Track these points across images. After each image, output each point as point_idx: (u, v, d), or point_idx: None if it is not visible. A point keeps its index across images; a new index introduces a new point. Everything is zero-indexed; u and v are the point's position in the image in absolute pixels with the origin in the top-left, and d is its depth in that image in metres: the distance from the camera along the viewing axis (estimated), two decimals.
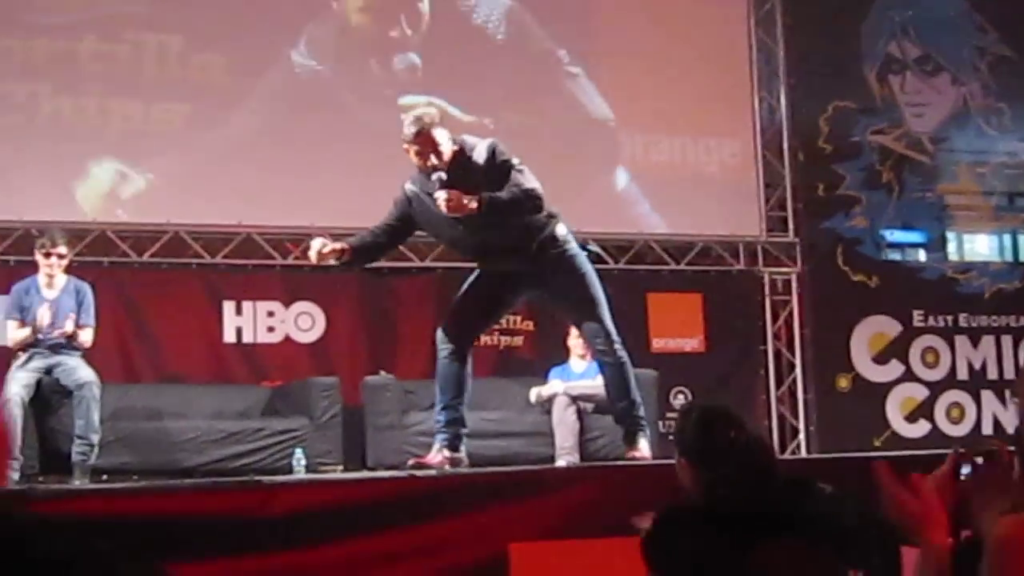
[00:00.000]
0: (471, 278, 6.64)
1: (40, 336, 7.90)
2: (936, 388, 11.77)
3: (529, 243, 6.41)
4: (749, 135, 11.51)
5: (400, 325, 10.38)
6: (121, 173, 9.90)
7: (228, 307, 10.06)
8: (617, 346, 6.66)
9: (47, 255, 8.07)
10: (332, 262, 6.60)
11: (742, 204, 11.37)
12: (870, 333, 11.69)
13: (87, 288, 8.20)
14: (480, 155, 6.38)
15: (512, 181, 6.28)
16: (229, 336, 10.04)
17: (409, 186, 6.51)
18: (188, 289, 10.07)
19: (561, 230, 6.56)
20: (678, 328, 11.14)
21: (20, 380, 7.78)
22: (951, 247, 12.38)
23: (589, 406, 8.73)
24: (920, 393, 11.73)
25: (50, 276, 8.08)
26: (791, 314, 11.58)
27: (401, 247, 10.10)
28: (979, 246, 12.58)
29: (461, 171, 6.29)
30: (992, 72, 12.47)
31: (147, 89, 10.00)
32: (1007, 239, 12.57)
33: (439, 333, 6.64)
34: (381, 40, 10.65)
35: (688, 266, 11.29)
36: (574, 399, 8.66)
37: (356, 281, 10.36)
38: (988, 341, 11.91)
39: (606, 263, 10.97)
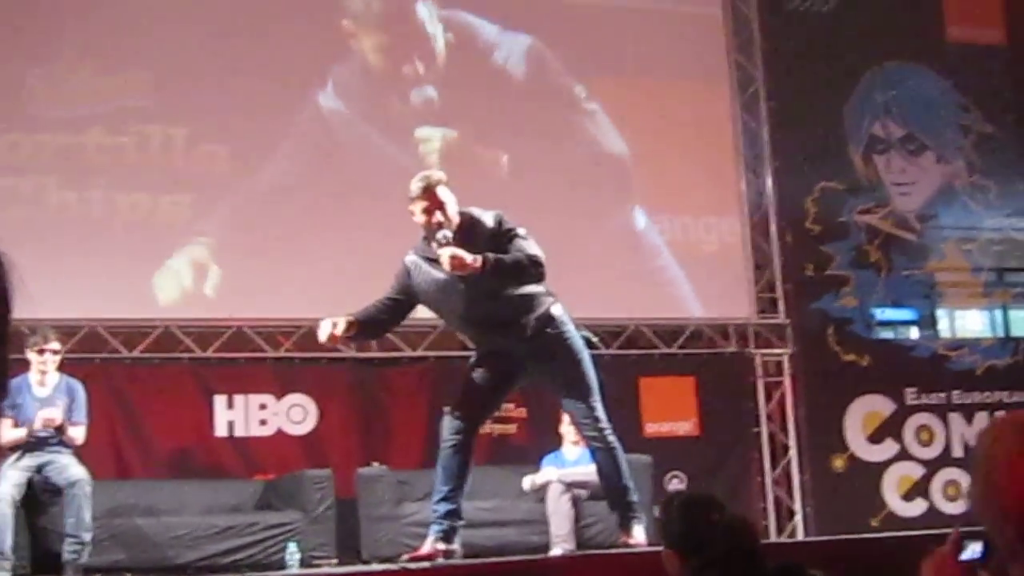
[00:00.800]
0: (472, 363, 6.58)
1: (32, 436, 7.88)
2: (932, 466, 11.74)
3: (527, 318, 6.39)
4: (737, 217, 11.58)
5: (393, 415, 10.35)
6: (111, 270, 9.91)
7: (220, 401, 10.03)
8: (607, 432, 6.58)
9: (40, 352, 8.07)
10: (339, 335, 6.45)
11: (732, 286, 11.41)
12: (864, 412, 11.68)
13: (79, 386, 8.18)
14: (487, 222, 6.38)
15: (516, 247, 6.29)
16: (221, 430, 10.00)
17: (409, 257, 6.49)
18: (179, 383, 10.05)
19: (558, 310, 6.54)
20: (671, 412, 11.12)
21: (11, 479, 7.73)
22: (942, 324, 12.41)
23: (584, 493, 8.69)
24: (916, 471, 11.70)
25: (43, 373, 8.07)
26: (784, 395, 11.58)
27: (392, 337, 10.21)
28: (970, 322, 12.60)
29: (466, 237, 6.27)
30: (976, 150, 12.58)
31: (147, 181, 10.05)
32: (998, 314, 12.60)
33: (446, 421, 6.54)
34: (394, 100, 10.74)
35: (680, 349, 11.29)
36: (568, 486, 8.63)
37: (348, 372, 10.36)
38: (982, 417, 11.88)
39: (597, 349, 11.04)
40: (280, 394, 10.18)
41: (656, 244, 11.28)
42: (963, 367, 12.12)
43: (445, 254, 6.13)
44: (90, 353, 9.61)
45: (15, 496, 7.69)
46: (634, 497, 6.71)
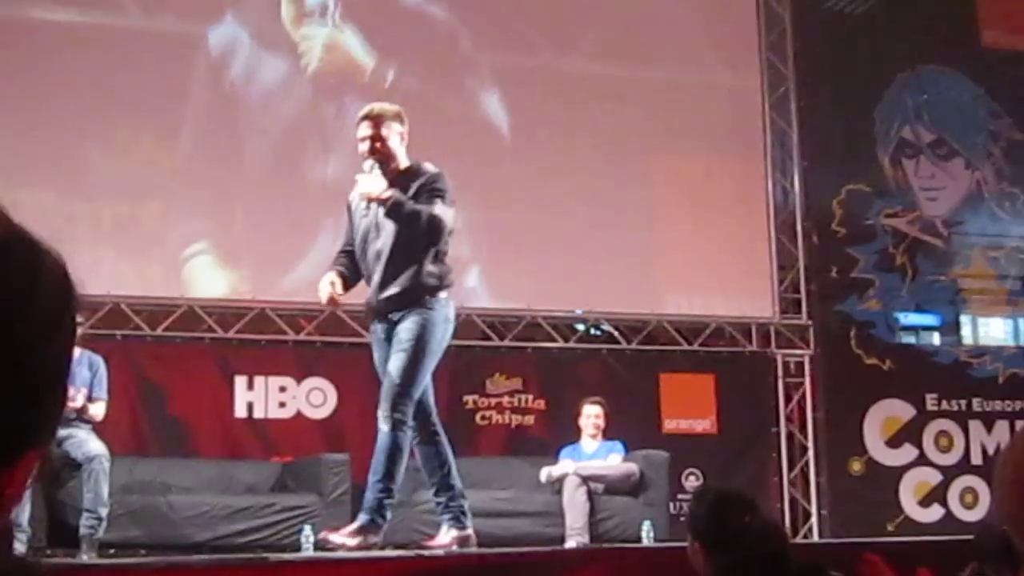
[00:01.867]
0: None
1: None
2: (950, 473, 11.69)
3: (406, 279, 6.32)
4: (763, 217, 11.54)
5: None
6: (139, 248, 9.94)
7: (240, 382, 10.05)
8: (400, 417, 6.35)
9: None
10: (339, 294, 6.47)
11: (755, 285, 11.38)
12: (883, 416, 11.64)
13: (100, 361, 8.21)
14: (425, 172, 6.39)
15: (428, 202, 6.28)
16: (240, 411, 10.02)
17: (352, 192, 6.55)
18: (200, 363, 10.07)
19: (442, 294, 6.46)
20: (690, 409, 11.10)
21: None
22: (965, 331, 12.35)
23: (600, 487, 8.70)
24: (934, 478, 11.65)
25: None
26: (804, 396, 11.54)
27: None
28: (993, 330, 12.54)
29: (405, 183, 6.30)
30: (1006, 157, 12.52)
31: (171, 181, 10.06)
32: (1021, 323, 12.54)
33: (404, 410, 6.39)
34: None
35: (701, 347, 11.27)
36: (585, 479, 8.63)
37: (368, 358, 10.28)
38: (1002, 426, 11.84)
39: (618, 343, 11.06)
40: (300, 377, 10.19)
41: (679, 239, 11.25)
42: (985, 375, 12.07)
43: (360, 180, 6.21)
44: (112, 330, 9.63)
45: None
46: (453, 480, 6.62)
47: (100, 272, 9.60)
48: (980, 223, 12.38)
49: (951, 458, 11.74)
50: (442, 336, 6.45)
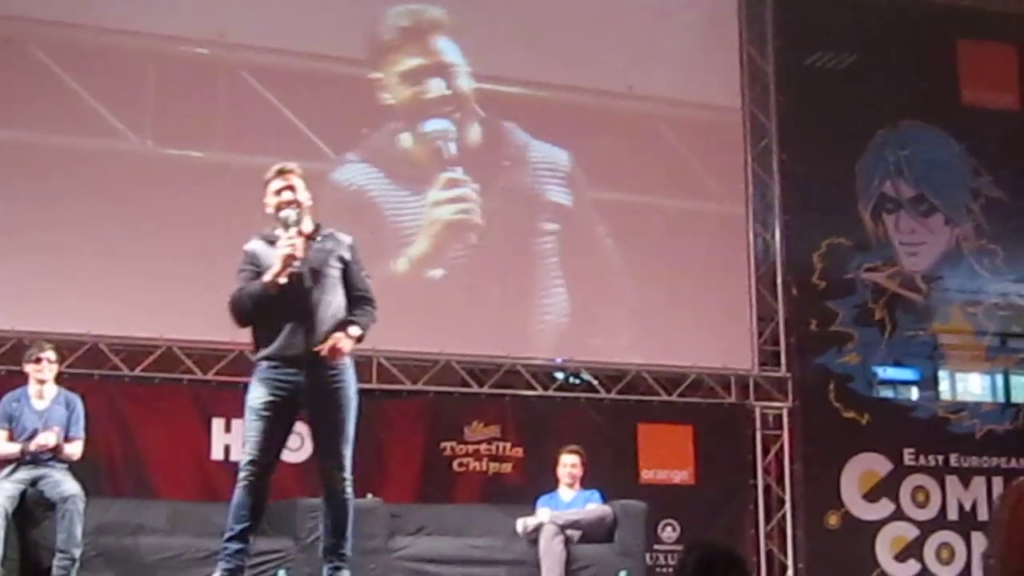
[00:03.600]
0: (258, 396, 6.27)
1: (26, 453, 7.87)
2: (927, 528, 11.70)
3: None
4: (743, 269, 11.57)
5: (388, 448, 10.31)
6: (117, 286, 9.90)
7: (217, 424, 10.00)
8: (348, 484, 6.36)
9: (37, 360, 8.07)
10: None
11: (735, 337, 11.40)
12: (861, 470, 11.65)
13: (77, 400, 8.18)
14: (343, 239, 6.37)
15: (363, 281, 6.36)
16: (217, 453, 9.96)
17: (249, 246, 6.40)
18: (178, 404, 10.02)
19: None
20: (668, 460, 11.08)
21: (5, 491, 7.71)
22: (943, 386, 12.39)
23: (576, 535, 8.67)
24: (910, 532, 11.66)
25: (41, 383, 8.07)
26: (782, 449, 11.54)
27: (392, 370, 10.21)
28: (971, 386, 12.58)
29: (319, 240, 6.28)
30: (985, 214, 12.60)
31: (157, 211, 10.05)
32: (999, 379, 12.58)
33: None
34: None
35: (680, 397, 11.26)
36: (561, 528, 8.59)
37: None
38: (979, 482, 11.87)
39: (597, 392, 11.05)
40: None
41: (659, 290, 11.26)
42: (962, 430, 12.10)
43: (287, 235, 6.10)
44: (90, 369, 9.59)
45: (8, 508, 7.65)
46: (346, 550, 6.49)
47: (79, 311, 9.59)
48: (959, 279, 12.44)
49: (928, 513, 11.75)
50: None
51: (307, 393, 6.18)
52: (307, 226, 6.28)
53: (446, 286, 10.66)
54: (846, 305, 11.93)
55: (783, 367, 11.64)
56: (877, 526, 11.58)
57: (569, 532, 8.62)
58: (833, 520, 11.50)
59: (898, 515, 11.67)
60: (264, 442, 6.23)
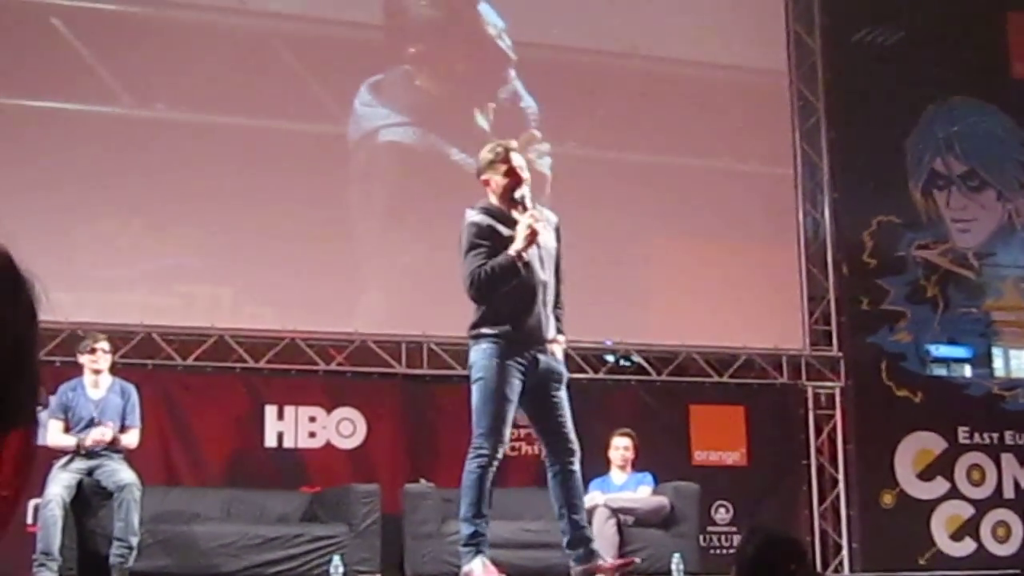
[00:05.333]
0: None
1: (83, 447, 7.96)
2: (982, 506, 11.61)
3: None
4: (793, 248, 11.52)
5: (441, 433, 10.33)
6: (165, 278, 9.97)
7: (270, 411, 10.07)
8: (577, 459, 6.48)
9: (92, 351, 8.15)
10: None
11: (786, 317, 11.35)
12: (915, 449, 11.57)
13: (133, 389, 8.26)
14: (552, 217, 6.46)
15: (561, 270, 6.42)
16: (270, 441, 10.04)
17: (477, 218, 6.27)
18: (231, 393, 10.09)
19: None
20: (720, 441, 11.07)
21: (61, 481, 7.80)
22: (997, 363, 12.28)
23: (629, 519, 8.67)
24: (966, 511, 11.57)
25: (96, 373, 8.15)
26: (834, 428, 11.48)
27: (443, 354, 10.23)
28: None
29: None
30: None
31: (199, 209, 10.09)
32: None
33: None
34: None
35: (731, 379, 11.23)
36: (614, 511, 8.60)
37: (398, 388, 10.39)
38: None
39: (648, 375, 11.04)
40: (330, 407, 10.21)
41: (709, 271, 11.23)
42: (1017, 407, 11.99)
43: (530, 217, 6.11)
44: (144, 359, 9.67)
45: (65, 498, 7.75)
46: (587, 526, 6.52)
47: (131, 301, 9.67)
48: (1012, 254, 12.33)
49: (983, 491, 11.66)
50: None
51: (535, 373, 6.22)
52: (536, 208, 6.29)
53: None
54: (897, 283, 11.85)
55: (835, 346, 11.58)
56: (932, 505, 11.51)
57: (623, 517, 8.62)
58: (888, 499, 11.44)
59: (953, 494, 11.59)
60: (504, 424, 6.17)
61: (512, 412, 6.20)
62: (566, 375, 6.41)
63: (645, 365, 11.13)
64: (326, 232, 10.28)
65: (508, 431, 6.20)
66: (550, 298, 6.32)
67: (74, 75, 9.92)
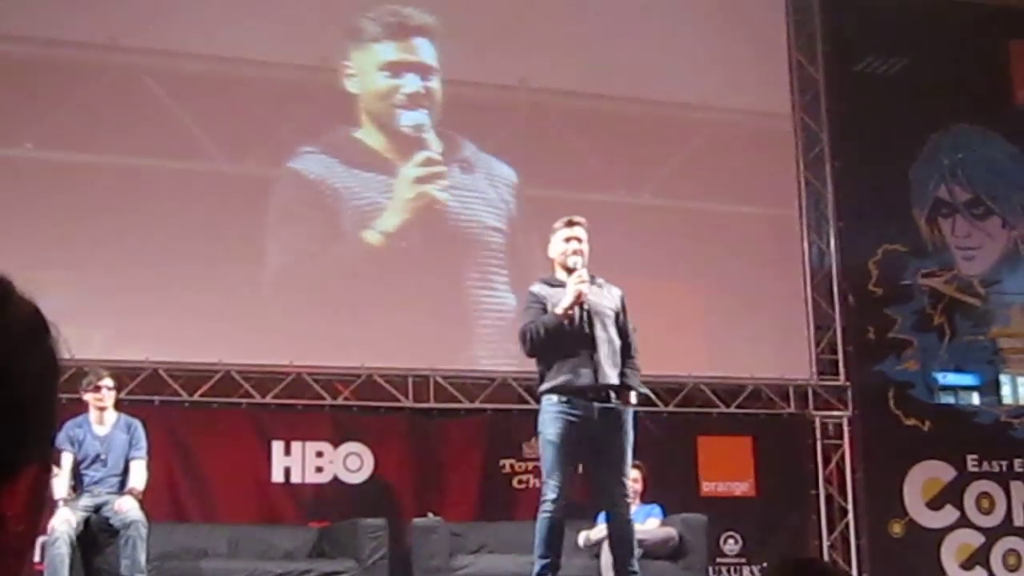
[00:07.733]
0: None
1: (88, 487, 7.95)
2: (992, 534, 11.57)
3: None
4: (799, 277, 11.51)
5: (448, 467, 10.33)
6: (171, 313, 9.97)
7: (277, 447, 10.06)
8: (629, 506, 7.14)
9: (96, 388, 8.14)
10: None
11: (792, 347, 11.34)
12: (924, 478, 11.54)
13: (138, 423, 8.25)
14: (616, 290, 7.15)
15: (630, 334, 7.13)
16: (277, 476, 10.02)
17: (535, 288, 6.99)
18: (237, 428, 10.08)
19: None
20: (728, 472, 11.04)
21: (69, 518, 7.78)
22: (1005, 390, 12.26)
23: (638, 552, 8.62)
24: (976, 540, 11.52)
25: (101, 410, 8.14)
26: (843, 458, 11.45)
27: (450, 388, 10.23)
28: None
29: (599, 285, 7.01)
30: None
31: (199, 231, 10.11)
32: None
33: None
34: None
35: (738, 409, 11.21)
36: None
37: (405, 422, 10.37)
38: None
39: (655, 406, 11.01)
40: (337, 442, 10.19)
41: (715, 302, 11.23)
42: None
43: (583, 275, 6.77)
44: (150, 395, 9.66)
45: (72, 535, 7.73)
46: (636, 567, 7.08)
47: (138, 337, 9.67)
48: (1018, 281, 12.32)
49: (993, 520, 11.61)
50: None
51: (596, 423, 6.78)
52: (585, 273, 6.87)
53: (502, 300, 10.67)
54: (904, 312, 11.83)
55: (842, 376, 11.55)
56: (942, 534, 11.47)
57: None
58: (897, 528, 11.40)
59: (963, 522, 11.55)
60: (566, 476, 6.80)
61: (565, 460, 6.77)
62: (627, 429, 6.92)
63: (652, 396, 11.10)
64: (329, 267, 10.29)
65: (565, 478, 6.76)
66: (608, 352, 6.88)
67: None
